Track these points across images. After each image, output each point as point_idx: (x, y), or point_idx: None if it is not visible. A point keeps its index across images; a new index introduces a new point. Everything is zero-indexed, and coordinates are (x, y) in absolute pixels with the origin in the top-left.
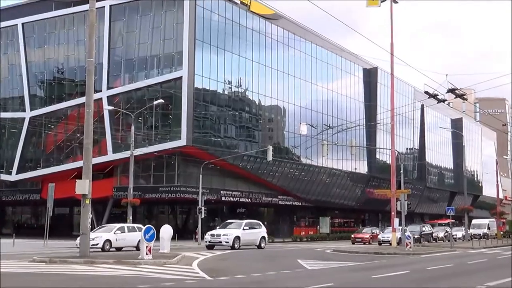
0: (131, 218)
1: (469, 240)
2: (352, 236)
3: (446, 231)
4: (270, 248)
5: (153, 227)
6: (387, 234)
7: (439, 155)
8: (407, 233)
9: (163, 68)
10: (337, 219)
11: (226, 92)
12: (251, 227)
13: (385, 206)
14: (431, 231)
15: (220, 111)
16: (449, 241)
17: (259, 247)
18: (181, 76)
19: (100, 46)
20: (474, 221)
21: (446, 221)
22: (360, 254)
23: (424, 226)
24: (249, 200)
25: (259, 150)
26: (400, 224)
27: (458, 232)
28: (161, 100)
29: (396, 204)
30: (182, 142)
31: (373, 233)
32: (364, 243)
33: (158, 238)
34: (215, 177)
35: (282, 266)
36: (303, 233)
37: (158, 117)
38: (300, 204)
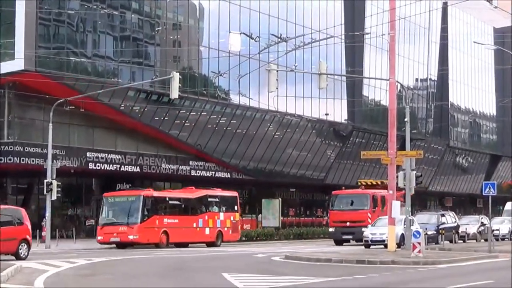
0: None
1: None
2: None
3: (482, 224)
4: (176, 253)
5: None
6: (380, 229)
7: (473, 91)
8: (415, 227)
9: None
10: (294, 203)
11: None
12: None
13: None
14: (455, 224)
15: (85, 10)
16: (485, 240)
17: None
18: None
19: None
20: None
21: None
22: (333, 263)
23: (444, 216)
24: (138, 169)
25: (155, 80)
26: (403, 212)
27: (503, 226)
28: None
29: (397, 177)
30: (16, 64)
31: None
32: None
33: None
34: (77, 128)
35: (195, 286)
36: None
37: None
38: (228, 176)
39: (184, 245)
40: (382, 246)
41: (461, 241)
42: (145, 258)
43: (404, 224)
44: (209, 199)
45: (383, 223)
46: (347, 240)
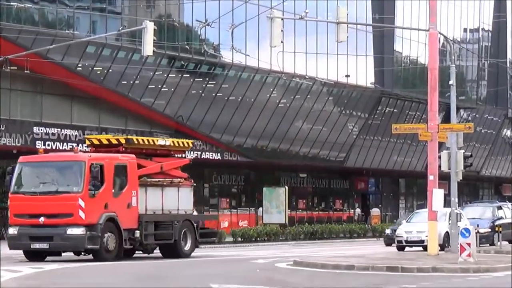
0: None
1: None
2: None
3: None
4: (155, 258)
5: None
6: (416, 226)
7: None
8: (463, 224)
9: None
10: (304, 192)
11: None
12: None
13: (413, 164)
14: None
15: None
16: None
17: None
18: None
19: None
20: None
21: None
22: (356, 271)
23: (501, 208)
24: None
25: (123, 32)
26: (447, 204)
27: None
28: None
29: (440, 157)
30: None
31: None
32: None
33: None
34: (22, 95)
35: None
36: (226, 223)
37: None
38: (218, 157)
39: None
40: (421, 248)
41: None
42: (111, 264)
43: (450, 219)
44: None
45: (421, 218)
46: (48, 253)
